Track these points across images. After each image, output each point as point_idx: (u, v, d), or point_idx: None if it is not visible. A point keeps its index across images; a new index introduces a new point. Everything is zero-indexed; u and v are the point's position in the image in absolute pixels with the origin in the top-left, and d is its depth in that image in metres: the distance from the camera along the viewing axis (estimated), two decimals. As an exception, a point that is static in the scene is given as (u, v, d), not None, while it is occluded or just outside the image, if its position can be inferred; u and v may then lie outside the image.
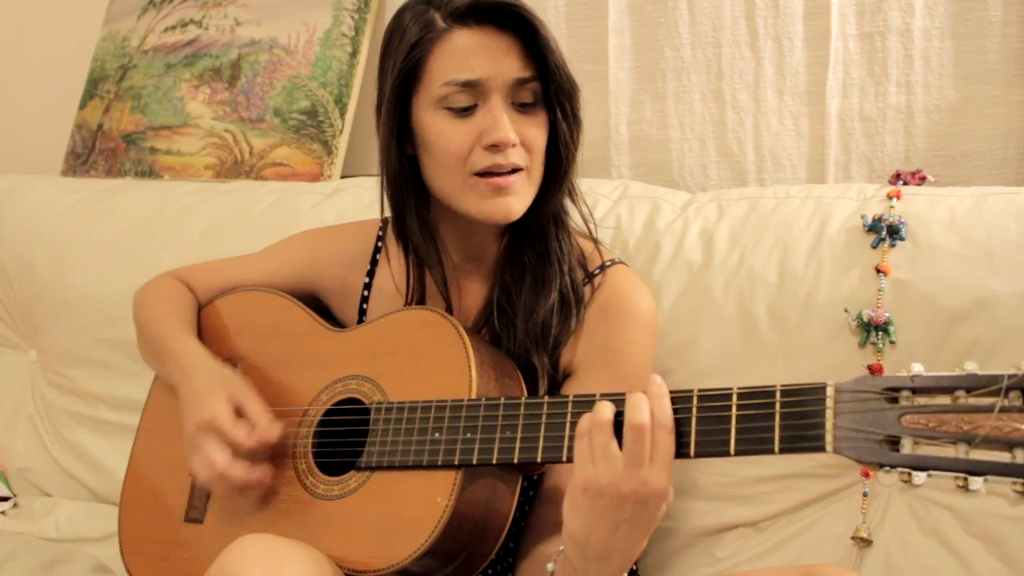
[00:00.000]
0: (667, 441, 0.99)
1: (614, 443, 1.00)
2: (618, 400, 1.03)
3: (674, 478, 1.02)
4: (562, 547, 1.08)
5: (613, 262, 1.33)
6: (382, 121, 1.26)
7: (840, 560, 1.39)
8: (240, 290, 1.46)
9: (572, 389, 1.28)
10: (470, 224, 1.28)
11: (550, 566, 1.10)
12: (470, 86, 1.19)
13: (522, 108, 1.22)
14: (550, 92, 1.23)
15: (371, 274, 1.42)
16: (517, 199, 1.22)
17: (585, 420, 1.02)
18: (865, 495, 1.40)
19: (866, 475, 1.40)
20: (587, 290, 1.30)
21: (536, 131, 1.23)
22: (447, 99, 1.20)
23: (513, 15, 1.20)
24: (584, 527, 1.02)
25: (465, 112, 1.21)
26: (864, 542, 1.38)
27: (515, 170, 1.22)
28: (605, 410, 1.01)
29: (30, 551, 1.67)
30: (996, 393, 0.86)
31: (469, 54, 1.19)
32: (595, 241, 1.34)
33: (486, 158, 1.20)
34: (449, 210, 1.28)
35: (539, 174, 1.25)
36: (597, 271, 1.31)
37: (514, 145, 1.20)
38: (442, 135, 1.21)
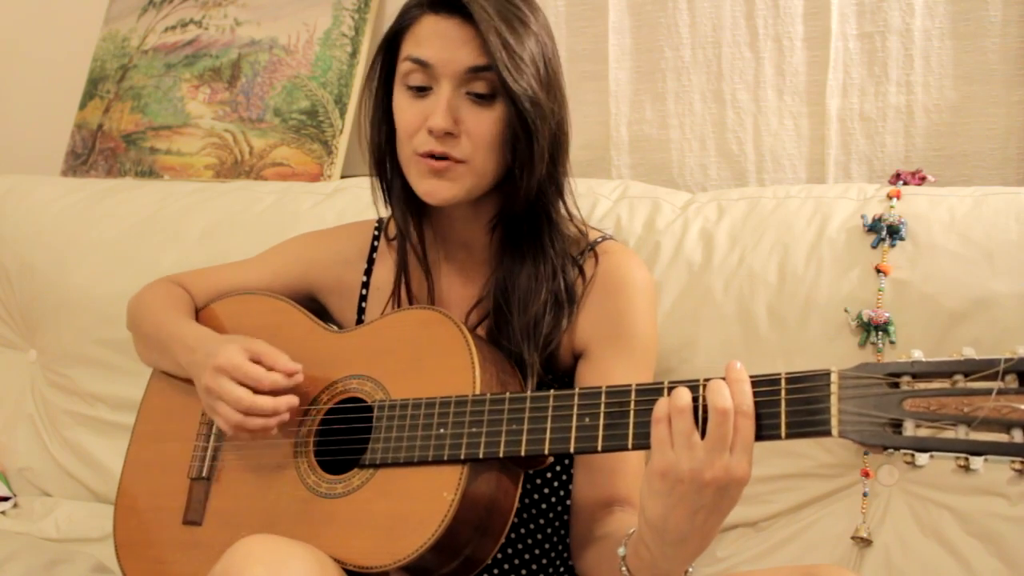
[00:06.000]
0: (748, 427, 0.98)
1: (696, 429, 0.99)
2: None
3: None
4: (632, 530, 1.08)
5: (603, 238, 1.35)
6: (367, 96, 1.32)
7: (840, 560, 1.40)
8: (237, 294, 1.45)
9: (588, 368, 1.29)
10: (443, 211, 1.31)
11: (621, 550, 1.10)
12: (421, 65, 1.23)
13: (478, 99, 1.24)
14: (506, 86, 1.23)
15: (368, 273, 1.42)
16: (451, 185, 1.25)
17: (662, 405, 1.01)
18: (865, 495, 1.40)
19: (866, 475, 1.40)
20: (581, 271, 1.31)
21: (486, 122, 1.23)
22: (407, 76, 1.25)
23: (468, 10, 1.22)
24: (663, 512, 1.01)
25: (420, 92, 1.25)
26: (864, 542, 1.39)
27: (454, 159, 1.24)
28: (683, 396, 1.00)
29: (30, 551, 1.67)
30: (993, 377, 0.88)
31: (429, 38, 1.24)
32: (579, 229, 1.34)
33: (426, 142, 1.24)
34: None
35: (486, 166, 1.25)
36: (588, 250, 1.32)
37: (451, 134, 1.22)
38: (399, 111, 1.27)
